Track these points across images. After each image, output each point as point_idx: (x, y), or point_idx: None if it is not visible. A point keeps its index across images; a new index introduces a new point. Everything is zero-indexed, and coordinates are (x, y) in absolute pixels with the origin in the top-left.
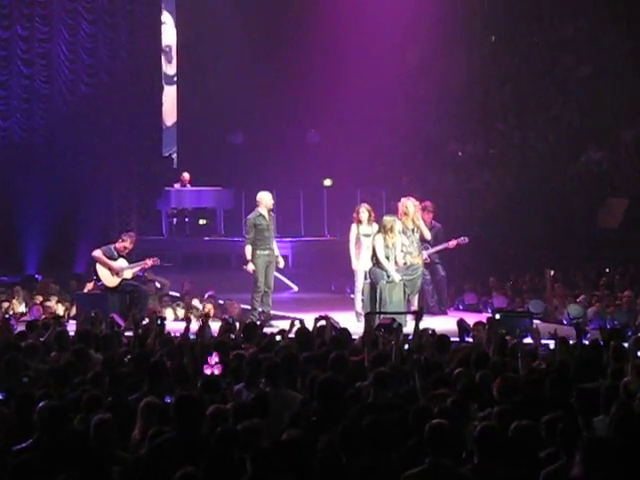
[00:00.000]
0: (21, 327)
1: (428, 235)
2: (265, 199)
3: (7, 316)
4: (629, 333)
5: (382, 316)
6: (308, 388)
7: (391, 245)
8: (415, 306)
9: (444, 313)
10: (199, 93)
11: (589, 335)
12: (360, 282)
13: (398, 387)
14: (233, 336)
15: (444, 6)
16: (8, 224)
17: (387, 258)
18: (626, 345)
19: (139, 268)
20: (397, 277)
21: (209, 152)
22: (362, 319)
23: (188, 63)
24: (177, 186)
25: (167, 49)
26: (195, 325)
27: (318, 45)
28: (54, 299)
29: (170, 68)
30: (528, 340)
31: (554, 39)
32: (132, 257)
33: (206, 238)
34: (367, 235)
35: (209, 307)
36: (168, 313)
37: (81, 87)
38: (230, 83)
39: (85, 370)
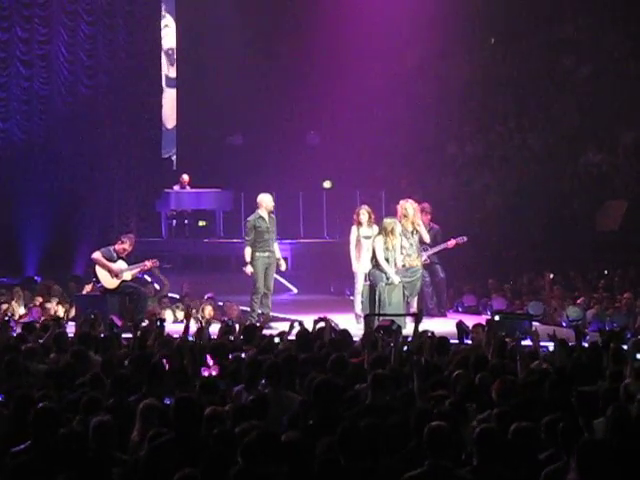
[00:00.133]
0: (20, 329)
1: (427, 238)
2: (265, 201)
3: (6, 318)
4: (628, 335)
5: (381, 318)
6: (307, 390)
7: (391, 247)
8: (414, 308)
9: (443, 315)
10: (198, 95)
11: (588, 337)
12: (360, 284)
13: (397, 389)
14: (232, 338)
15: (444, 7)
16: (7, 225)
17: (387, 260)
18: (625, 347)
19: (138, 270)
20: (396, 279)
21: (208, 154)
22: (361, 321)
23: (188, 65)
24: (176, 188)
25: (170, 52)
26: (194, 327)
27: (317, 47)
28: (55, 300)
29: (172, 71)
30: (527, 342)
31: (554, 40)
32: (131, 259)
33: (205, 240)
34: (367, 237)
35: (208, 309)
36: (167, 315)
37: (80, 88)
38: (230, 84)
39: (84, 372)
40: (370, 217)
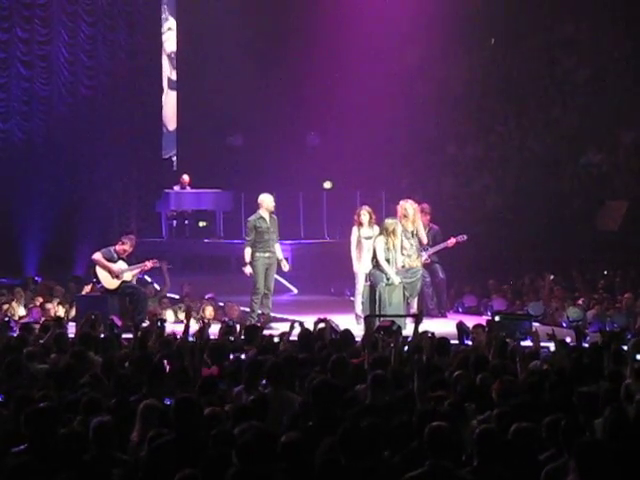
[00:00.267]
0: (19, 329)
1: (424, 238)
2: (266, 201)
3: (6, 318)
4: (629, 336)
5: (382, 318)
6: (307, 391)
7: (392, 248)
8: (415, 309)
9: (443, 316)
10: (199, 95)
11: (588, 338)
12: (361, 284)
13: (397, 390)
14: (232, 338)
15: (444, 8)
16: (8, 226)
17: (388, 261)
18: (625, 348)
19: (139, 270)
20: (397, 280)
21: (209, 154)
22: (362, 321)
23: (188, 65)
24: (177, 188)
25: (173, 55)
26: (194, 327)
27: (318, 48)
28: (55, 301)
29: (175, 74)
30: (528, 343)
31: (554, 40)
32: (132, 259)
33: (206, 240)
34: (368, 237)
35: (209, 309)
36: (169, 315)
37: (81, 89)
38: (230, 85)
39: (84, 372)
40: (371, 218)
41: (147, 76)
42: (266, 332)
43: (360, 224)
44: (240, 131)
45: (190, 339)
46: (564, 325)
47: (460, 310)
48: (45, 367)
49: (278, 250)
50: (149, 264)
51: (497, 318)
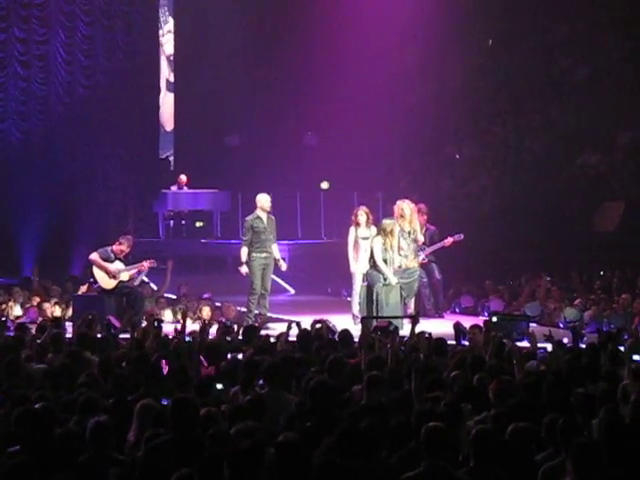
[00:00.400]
0: (15, 329)
1: (421, 237)
2: (261, 201)
3: (3, 318)
4: (625, 337)
5: (379, 319)
6: (303, 391)
7: (389, 248)
8: (412, 309)
9: (440, 316)
10: (196, 95)
11: (585, 338)
12: (358, 285)
13: (393, 390)
14: (229, 339)
15: (441, 9)
16: (5, 225)
17: (385, 261)
18: (622, 349)
19: (136, 270)
20: (394, 280)
21: (206, 154)
22: (359, 322)
23: (186, 66)
24: (174, 188)
25: (171, 58)
26: (191, 328)
27: (315, 48)
28: (52, 301)
29: (173, 76)
30: (524, 343)
31: (551, 41)
32: (129, 259)
33: (202, 240)
34: (365, 238)
35: (206, 309)
36: (167, 314)
37: (78, 89)
38: (227, 85)
39: (82, 372)
40: (368, 218)
41: (145, 76)
42: (263, 332)
43: (357, 224)
44: (237, 131)
45: (187, 339)
46: (561, 326)
47: (457, 310)
48: (42, 367)
49: (275, 250)
50: (146, 264)
51: (494, 319)
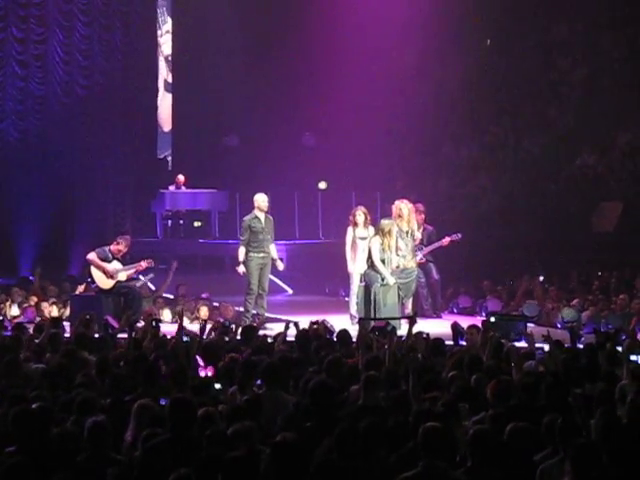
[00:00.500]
0: (12, 329)
1: (419, 235)
2: (258, 201)
3: (0, 318)
4: (623, 337)
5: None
6: (301, 391)
7: (387, 248)
8: (409, 309)
9: (438, 316)
10: (194, 95)
11: (583, 339)
12: (355, 285)
13: (389, 390)
14: (227, 339)
15: (439, 9)
16: (2, 225)
17: (383, 261)
18: (620, 349)
19: (134, 270)
20: (392, 280)
21: (204, 154)
22: (356, 322)
23: (184, 66)
24: (172, 188)
25: (169, 58)
26: (189, 328)
27: (313, 48)
28: (51, 300)
29: (171, 76)
30: (522, 344)
31: (549, 41)
32: (127, 259)
33: (200, 240)
34: (363, 238)
35: (204, 309)
36: (165, 314)
37: (76, 89)
38: (225, 85)
39: (77, 372)
40: (366, 218)
41: (143, 76)
42: (261, 333)
43: (355, 224)
44: (235, 131)
45: (185, 339)
46: (559, 326)
47: (455, 311)
48: (40, 367)
49: (273, 250)
50: (144, 264)
51: (493, 319)
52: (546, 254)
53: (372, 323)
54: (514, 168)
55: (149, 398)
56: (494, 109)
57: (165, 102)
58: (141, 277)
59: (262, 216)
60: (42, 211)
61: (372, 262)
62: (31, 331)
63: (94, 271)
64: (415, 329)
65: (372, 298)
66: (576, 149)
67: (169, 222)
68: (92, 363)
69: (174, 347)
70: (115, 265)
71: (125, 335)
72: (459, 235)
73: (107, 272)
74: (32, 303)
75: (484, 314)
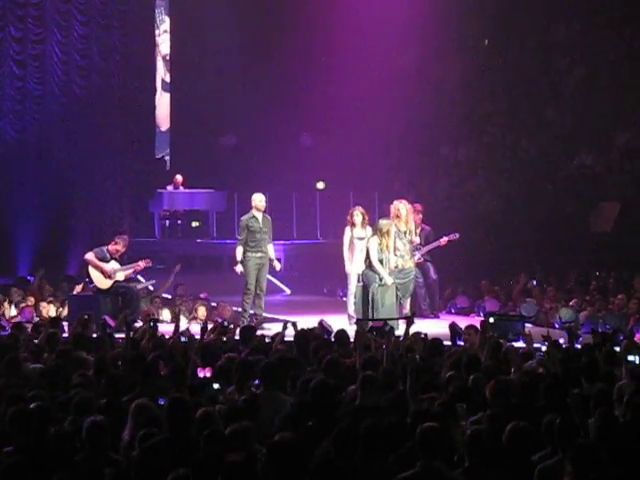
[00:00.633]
0: (11, 328)
1: (416, 239)
2: (255, 200)
3: None
4: (621, 337)
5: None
6: (300, 391)
7: (385, 248)
8: (407, 309)
9: (436, 316)
10: (192, 95)
11: (581, 339)
12: (353, 285)
13: (388, 390)
14: (225, 339)
15: (438, 10)
16: (0, 225)
17: (381, 261)
18: (617, 349)
19: (132, 270)
20: (390, 280)
21: (202, 154)
22: (354, 322)
23: (182, 66)
24: (170, 188)
25: (167, 57)
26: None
27: (311, 48)
28: (48, 300)
29: (169, 76)
30: (520, 344)
31: (547, 42)
32: (124, 259)
33: (198, 240)
34: (361, 238)
35: (202, 309)
36: (165, 314)
37: (74, 88)
38: (223, 85)
39: (73, 372)
40: (364, 218)
41: (140, 75)
42: (258, 333)
43: (353, 225)
44: (233, 131)
45: (183, 339)
46: (556, 326)
47: (452, 311)
48: (38, 367)
49: (271, 250)
50: (142, 264)
51: (492, 320)
52: (544, 254)
53: (370, 323)
54: (512, 168)
55: (147, 398)
56: (492, 109)
57: (162, 102)
58: (142, 280)
59: (260, 216)
60: (40, 211)
61: (370, 262)
62: (29, 331)
63: (92, 271)
64: (413, 329)
65: (370, 298)
66: (574, 149)
67: (167, 222)
68: (89, 363)
69: (171, 347)
70: (113, 265)
71: (123, 335)
72: (457, 235)
73: (105, 272)
74: (29, 303)
75: (482, 314)
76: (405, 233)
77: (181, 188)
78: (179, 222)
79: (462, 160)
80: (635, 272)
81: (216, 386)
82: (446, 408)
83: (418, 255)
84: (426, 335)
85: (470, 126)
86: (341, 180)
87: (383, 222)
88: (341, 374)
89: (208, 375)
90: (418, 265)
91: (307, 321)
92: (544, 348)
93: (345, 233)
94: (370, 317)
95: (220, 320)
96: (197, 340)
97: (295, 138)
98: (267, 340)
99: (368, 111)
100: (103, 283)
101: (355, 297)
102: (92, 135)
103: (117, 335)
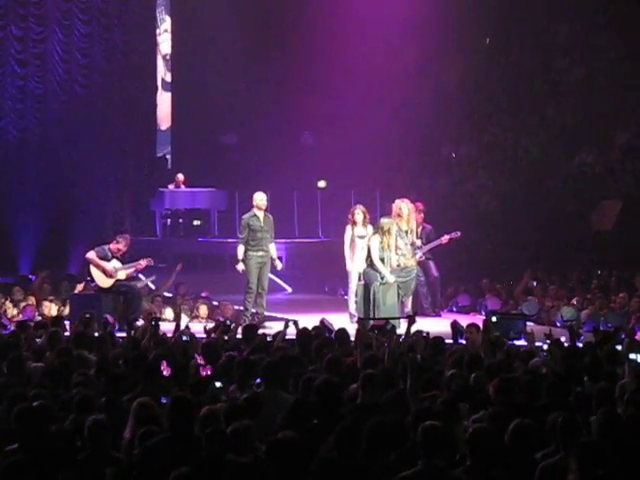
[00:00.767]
0: (14, 327)
1: (417, 241)
2: (256, 199)
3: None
4: (622, 336)
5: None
6: (303, 390)
7: (387, 247)
8: (409, 308)
9: (438, 315)
10: (193, 94)
11: (582, 337)
12: (354, 283)
13: (389, 389)
14: (226, 337)
15: (439, 8)
16: (2, 224)
17: (382, 260)
18: (619, 348)
19: (133, 269)
20: (391, 279)
21: (203, 153)
22: (356, 320)
23: (183, 64)
24: (171, 187)
25: (168, 57)
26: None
27: (312, 47)
28: (50, 299)
29: (169, 76)
30: (521, 342)
31: (548, 41)
32: (126, 258)
33: (200, 239)
34: (362, 237)
35: (203, 308)
36: (167, 313)
37: (75, 87)
38: (224, 84)
39: (75, 370)
40: (365, 217)
41: (141, 74)
42: (260, 331)
43: (354, 223)
44: (234, 130)
45: (184, 338)
46: (558, 324)
47: (454, 309)
48: (40, 365)
49: (272, 249)
50: (143, 262)
51: (494, 318)
52: (545, 253)
53: (371, 322)
54: (513, 167)
55: (149, 396)
56: (493, 108)
57: (163, 101)
58: (143, 278)
59: (261, 214)
60: (41, 209)
61: (371, 261)
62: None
63: (93, 270)
64: (415, 328)
65: (371, 297)
66: (575, 148)
67: (168, 221)
68: (91, 362)
69: (172, 346)
70: (114, 264)
71: (124, 334)
72: (458, 233)
73: (106, 271)
74: (31, 302)
75: (483, 313)
76: (406, 232)
77: (182, 187)
78: (180, 221)
79: (463, 159)
80: (636, 270)
81: (218, 385)
82: (448, 406)
83: (420, 253)
84: (428, 333)
85: (471, 125)
86: (342, 179)
87: (384, 220)
88: (342, 373)
89: (210, 373)
90: (419, 263)
91: (308, 320)
92: (546, 346)
93: (346, 232)
94: (371, 316)
95: (222, 319)
96: (198, 339)
97: (296, 137)
98: (268, 339)
99: (369, 110)
100: (104, 282)
101: (356, 296)
102: (93, 134)
103: (118, 334)
